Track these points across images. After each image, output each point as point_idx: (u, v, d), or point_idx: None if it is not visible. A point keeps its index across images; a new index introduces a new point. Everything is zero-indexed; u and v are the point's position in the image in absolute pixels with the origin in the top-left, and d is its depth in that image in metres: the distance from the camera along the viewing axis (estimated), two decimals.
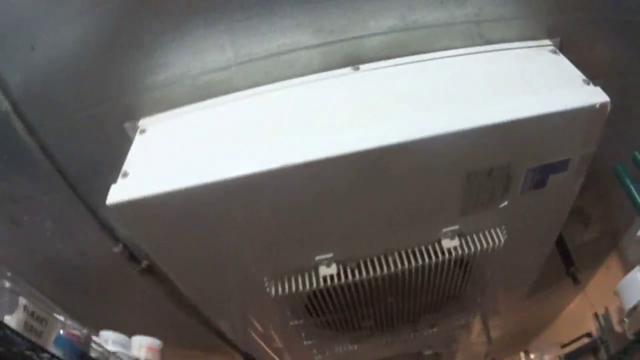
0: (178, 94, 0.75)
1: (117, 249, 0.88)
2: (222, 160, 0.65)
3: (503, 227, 0.81)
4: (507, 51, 0.79)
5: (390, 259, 0.80)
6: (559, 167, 0.75)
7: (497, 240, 0.80)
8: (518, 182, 0.76)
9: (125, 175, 0.68)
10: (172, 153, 0.70)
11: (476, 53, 0.79)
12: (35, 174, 0.80)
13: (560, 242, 1.06)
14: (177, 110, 0.76)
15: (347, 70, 0.77)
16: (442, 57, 0.78)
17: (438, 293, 0.90)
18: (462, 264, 0.83)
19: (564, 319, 1.62)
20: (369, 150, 0.64)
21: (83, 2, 0.66)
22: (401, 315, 0.97)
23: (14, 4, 0.65)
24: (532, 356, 1.41)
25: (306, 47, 0.75)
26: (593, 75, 0.72)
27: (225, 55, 0.73)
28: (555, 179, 0.76)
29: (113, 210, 0.65)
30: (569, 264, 1.08)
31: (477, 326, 1.26)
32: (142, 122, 0.75)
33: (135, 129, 0.76)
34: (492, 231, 0.80)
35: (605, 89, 0.70)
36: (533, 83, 0.73)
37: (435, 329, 1.10)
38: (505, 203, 0.78)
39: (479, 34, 0.79)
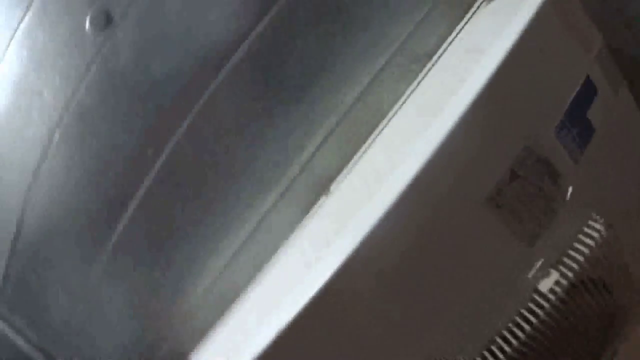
0: (205, 316, 0.74)
1: None
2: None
3: (592, 214, 0.55)
4: (450, 47, 0.64)
5: (494, 346, 0.56)
6: (586, 95, 0.53)
7: (596, 235, 0.54)
8: (561, 155, 0.54)
9: None
10: None
11: (422, 78, 0.66)
12: None
13: None
14: (212, 331, 0.75)
15: (322, 200, 0.70)
16: (394, 114, 0.67)
17: (585, 333, 0.59)
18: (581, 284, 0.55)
19: None
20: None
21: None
22: None
23: None
24: None
25: (271, 209, 0.71)
26: None
27: (221, 260, 0.74)
28: (596, 112, 0.54)
29: None
30: None
31: None
32: (190, 357, 0.75)
33: None
34: (585, 230, 0.55)
35: None
36: (480, 48, 0.57)
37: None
38: (570, 190, 0.54)
39: (414, 59, 0.67)
